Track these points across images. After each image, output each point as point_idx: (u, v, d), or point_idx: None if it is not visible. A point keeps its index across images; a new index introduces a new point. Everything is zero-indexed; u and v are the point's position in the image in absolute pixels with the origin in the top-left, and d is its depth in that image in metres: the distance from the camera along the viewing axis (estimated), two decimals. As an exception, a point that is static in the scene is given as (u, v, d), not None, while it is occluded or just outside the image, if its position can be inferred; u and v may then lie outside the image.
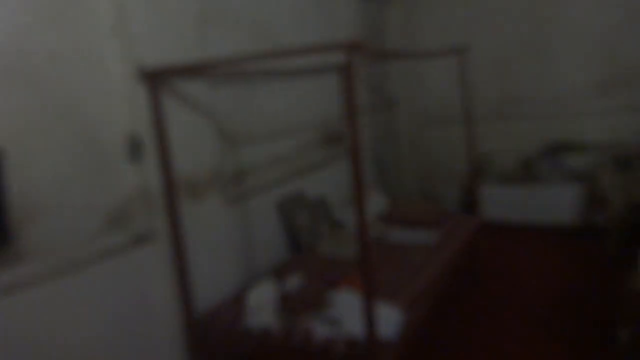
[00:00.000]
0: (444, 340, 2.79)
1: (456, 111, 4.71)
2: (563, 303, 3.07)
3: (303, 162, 3.48)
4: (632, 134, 4.14)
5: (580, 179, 4.30)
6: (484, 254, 3.80)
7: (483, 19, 4.66)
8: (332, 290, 2.34)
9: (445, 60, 4.72)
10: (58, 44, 1.88)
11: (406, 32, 4.93)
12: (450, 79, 4.79)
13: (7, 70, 1.72)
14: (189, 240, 2.30)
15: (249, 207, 2.92)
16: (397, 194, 4.84)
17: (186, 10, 2.34)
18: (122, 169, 2.12)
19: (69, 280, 1.87)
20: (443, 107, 5.03)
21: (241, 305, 2.31)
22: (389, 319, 1.99)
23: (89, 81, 1.98)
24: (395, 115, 4.93)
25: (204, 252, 2.41)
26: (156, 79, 2.10)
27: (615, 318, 2.52)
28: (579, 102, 4.39)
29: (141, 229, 2.15)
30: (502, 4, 4.58)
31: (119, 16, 2.04)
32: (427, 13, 4.94)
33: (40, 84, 1.82)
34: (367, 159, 4.37)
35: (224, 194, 2.61)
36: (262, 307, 2.18)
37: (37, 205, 1.79)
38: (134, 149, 2.14)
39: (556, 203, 4.32)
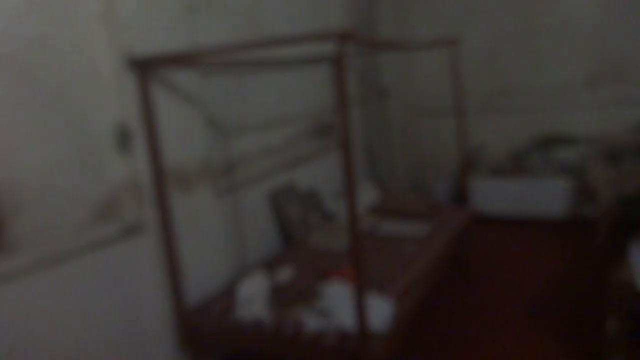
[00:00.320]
0: (435, 332, 2.81)
1: (447, 103, 4.73)
2: (553, 294, 3.11)
3: (294, 154, 3.46)
4: (621, 127, 4.18)
5: (570, 171, 4.34)
6: (475, 246, 3.82)
7: (475, 11, 4.66)
8: (323, 282, 2.34)
9: (437, 51, 4.72)
10: (45, 29, 1.83)
11: (398, 23, 4.91)
12: (441, 70, 4.80)
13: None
14: (179, 232, 2.28)
15: (240, 198, 2.90)
16: (389, 186, 4.85)
17: (175, -2, 2.30)
18: (111, 160, 2.08)
19: (55, 272, 1.84)
20: (434, 99, 5.03)
21: (232, 297, 2.30)
22: (380, 311, 1.99)
23: (76, 68, 1.94)
24: (386, 106, 4.92)
25: (195, 244, 2.40)
26: (146, 68, 2.07)
27: (604, 308, 2.55)
28: (569, 95, 4.41)
29: (131, 221, 2.13)
30: (494, -4, 4.57)
31: (108, 1, 2.00)
32: (419, 4, 4.93)
33: (27, 70, 1.78)
34: (358, 151, 4.36)
35: (215, 185, 2.59)
36: (253, 299, 2.17)
37: (22, 196, 1.75)
38: (123, 139, 2.10)
39: (546, 195, 4.36)
